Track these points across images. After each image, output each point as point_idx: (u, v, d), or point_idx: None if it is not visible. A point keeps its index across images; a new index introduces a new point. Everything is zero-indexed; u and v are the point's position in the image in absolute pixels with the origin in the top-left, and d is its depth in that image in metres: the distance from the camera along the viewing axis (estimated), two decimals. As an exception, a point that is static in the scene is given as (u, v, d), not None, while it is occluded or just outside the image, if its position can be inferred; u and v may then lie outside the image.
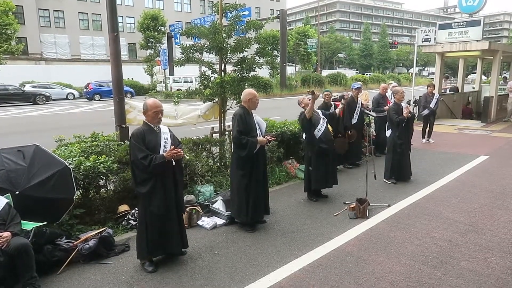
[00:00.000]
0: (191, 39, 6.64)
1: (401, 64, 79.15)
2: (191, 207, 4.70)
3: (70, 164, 4.17)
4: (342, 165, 7.46)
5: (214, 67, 6.54)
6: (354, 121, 7.44)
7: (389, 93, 8.53)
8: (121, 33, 30.98)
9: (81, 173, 4.26)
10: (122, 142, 5.49)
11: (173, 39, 26.30)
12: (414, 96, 13.16)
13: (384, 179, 6.39)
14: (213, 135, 6.62)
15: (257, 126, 4.45)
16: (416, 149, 8.77)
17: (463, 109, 15.16)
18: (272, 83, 26.65)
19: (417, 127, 9.42)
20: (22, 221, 3.38)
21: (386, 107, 7.53)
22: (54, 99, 25.85)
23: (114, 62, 6.05)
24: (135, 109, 6.16)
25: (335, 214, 4.95)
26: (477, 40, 12.62)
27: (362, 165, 7.43)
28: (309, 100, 5.23)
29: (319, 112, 5.68)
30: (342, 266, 3.63)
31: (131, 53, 44.28)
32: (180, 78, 29.50)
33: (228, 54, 6.35)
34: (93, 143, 4.99)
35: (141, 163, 3.39)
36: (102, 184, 4.78)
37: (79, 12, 41.44)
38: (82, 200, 4.53)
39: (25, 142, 4.11)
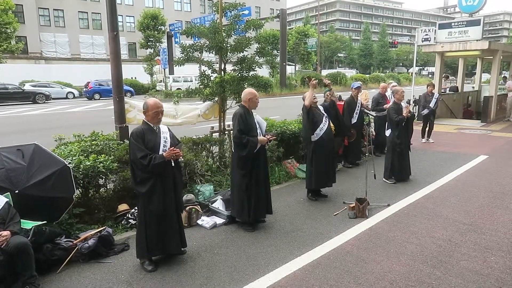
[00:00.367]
0: (191, 38, 6.64)
1: (401, 64, 79.20)
2: (190, 207, 4.70)
3: (69, 163, 4.16)
4: (342, 164, 7.46)
5: (214, 66, 6.54)
6: (354, 120, 7.43)
7: (388, 93, 8.54)
8: (121, 32, 31.10)
9: (80, 172, 4.26)
10: (121, 141, 5.49)
11: (173, 38, 26.35)
12: (413, 96, 13.16)
13: (383, 179, 6.39)
14: (213, 134, 6.62)
15: (257, 126, 4.44)
16: (416, 148, 8.78)
17: (464, 112, 15.17)
18: (272, 83, 26.57)
19: (417, 127, 9.42)
20: (21, 220, 3.38)
21: (385, 106, 7.53)
22: (53, 98, 25.84)
23: (114, 61, 6.04)
24: (135, 108, 6.15)
25: (334, 214, 4.96)
26: (477, 40, 12.61)
27: (361, 165, 7.43)
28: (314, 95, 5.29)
29: (321, 108, 5.65)
30: (341, 265, 3.63)
31: (131, 52, 44.28)
32: (180, 77, 29.49)
33: (228, 54, 6.34)
34: (92, 142, 4.98)
35: (140, 163, 3.38)
36: (102, 183, 4.78)
37: (79, 11, 41.45)
38: (81, 199, 4.53)
39: (25, 141, 4.11)
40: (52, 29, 40.08)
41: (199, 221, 4.68)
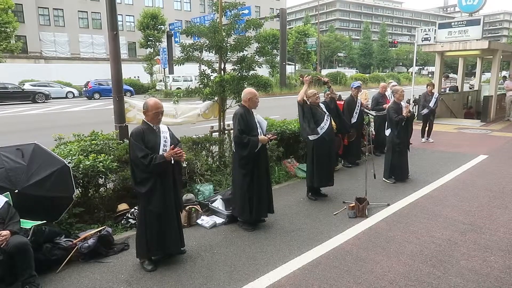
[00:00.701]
0: (191, 37, 6.63)
1: (401, 63, 79.17)
2: (190, 206, 4.70)
3: (69, 162, 4.16)
4: (342, 164, 7.47)
5: (213, 66, 6.53)
6: (353, 120, 7.43)
7: (388, 92, 8.53)
8: (121, 31, 31.12)
9: (80, 172, 4.26)
10: (121, 141, 5.49)
11: (172, 37, 26.31)
12: (413, 95, 13.17)
13: (383, 178, 6.39)
14: (213, 134, 6.62)
15: (258, 125, 4.44)
16: (416, 148, 8.78)
17: (465, 113, 15.17)
18: (272, 82, 26.55)
19: (417, 127, 9.42)
20: (21, 219, 3.38)
21: (385, 105, 7.53)
22: (53, 98, 25.83)
23: (114, 61, 6.03)
24: (135, 107, 6.15)
25: (334, 213, 4.96)
26: (476, 39, 12.61)
27: (361, 164, 7.42)
28: (314, 93, 5.30)
29: (323, 106, 5.64)
30: (341, 265, 3.63)
31: (131, 52, 44.26)
32: (179, 76, 29.49)
33: (228, 53, 6.34)
34: (92, 142, 4.98)
35: (141, 163, 3.38)
36: (102, 182, 4.78)
37: (78, 11, 41.43)
38: (81, 199, 4.53)
39: (24, 140, 4.11)
40: (52, 29, 40.06)
41: (198, 221, 4.67)
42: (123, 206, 4.70)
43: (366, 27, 78.32)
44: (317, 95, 5.51)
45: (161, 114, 3.57)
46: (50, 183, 3.77)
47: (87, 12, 42.03)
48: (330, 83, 6.22)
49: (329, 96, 6.07)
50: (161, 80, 31.26)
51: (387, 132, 6.48)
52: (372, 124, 8.67)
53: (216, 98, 6.46)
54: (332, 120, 5.60)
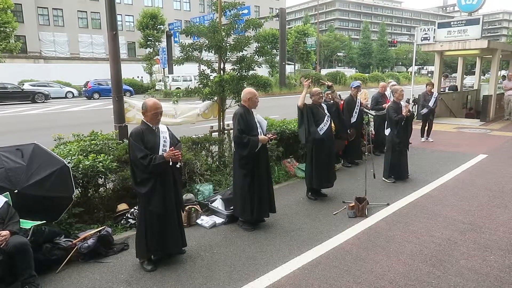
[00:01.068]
0: (190, 37, 6.63)
1: (400, 63, 79.12)
2: (190, 206, 4.69)
3: (69, 162, 4.16)
4: (342, 164, 7.47)
5: (213, 65, 6.53)
6: (353, 119, 7.44)
7: (388, 92, 8.53)
8: (120, 31, 31.03)
9: (80, 172, 4.26)
10: (121, 141, 5.49)
11: (172, 37, 26.28)
12: (413, 95, 13.17)
13: (383, 178, 6.39)
14: (212, 134, 6.62)
15: (258, 125, 4.44)
16: (415, 148, 8.78)
17: (466, 114, 15.17)
18: (272, 82, 26.54)
19: (416, 126, 9.42)
20: (21, 219, 3.38)
21: (385, 105, 7.53)
22: (53, 98, 25.81)
23: (113, 61, 6.03)
24: (134, 107, 6.15)
25: (334, 213, 4.96)
26: (476, 39, 12.61)
27: (361, 164, 7.43)
28: (318, 92, 5.33)
29: (324, 107, 5.63)
30: (341, 264, 3.63)
31: (130, 52, 44.24)
32: (179, 76, 29.47)
33: (227, 53, 6.33)
34: (92, 142, 4.98)
35: (140, 163, 3.37)
36: (101, 182, 4.78)
37: (78, 11, 41.40)
38: (81, 199, 4.53)
39: (24, 140, 4.11)
40: (51, 28, 40.02)
41: (198, 221, 4.68)
42: (122, 206, 4.70)
43: (365, 26, 78.30)
44: (321, 95, 5.51)
45: (160, 115, 3.57)
46: (49, 183, 3.77)
47: (86, 12, 42.00)
48: (333, 87, 6.28)
49: (331, 96, 6.07)
50: (160, 80, 31.26)
51: (387, 131, 6.49)
52: (372, 123, 8.66)
53: (215, 98, 6.46)
54: (332, 122, 5.59)
